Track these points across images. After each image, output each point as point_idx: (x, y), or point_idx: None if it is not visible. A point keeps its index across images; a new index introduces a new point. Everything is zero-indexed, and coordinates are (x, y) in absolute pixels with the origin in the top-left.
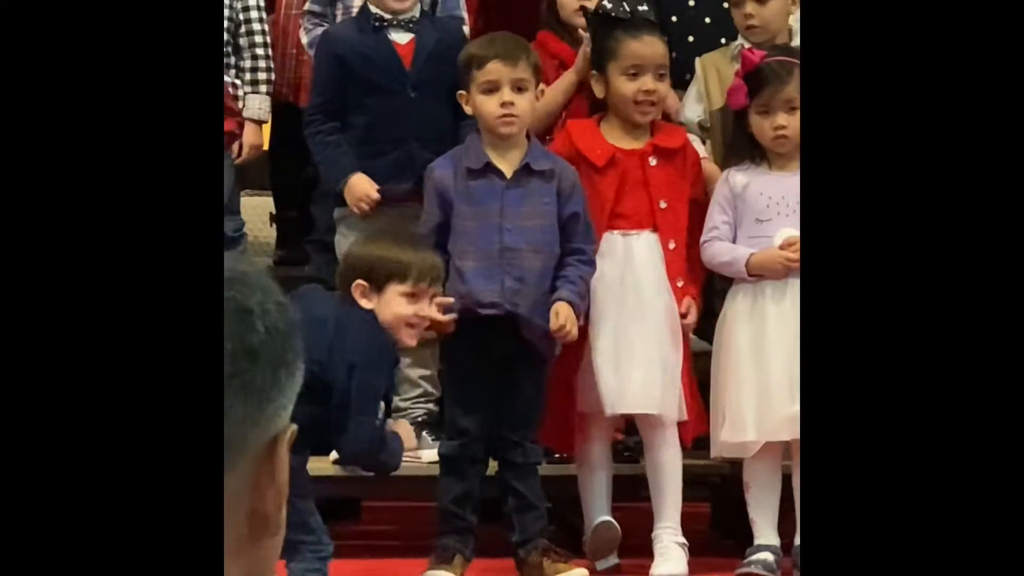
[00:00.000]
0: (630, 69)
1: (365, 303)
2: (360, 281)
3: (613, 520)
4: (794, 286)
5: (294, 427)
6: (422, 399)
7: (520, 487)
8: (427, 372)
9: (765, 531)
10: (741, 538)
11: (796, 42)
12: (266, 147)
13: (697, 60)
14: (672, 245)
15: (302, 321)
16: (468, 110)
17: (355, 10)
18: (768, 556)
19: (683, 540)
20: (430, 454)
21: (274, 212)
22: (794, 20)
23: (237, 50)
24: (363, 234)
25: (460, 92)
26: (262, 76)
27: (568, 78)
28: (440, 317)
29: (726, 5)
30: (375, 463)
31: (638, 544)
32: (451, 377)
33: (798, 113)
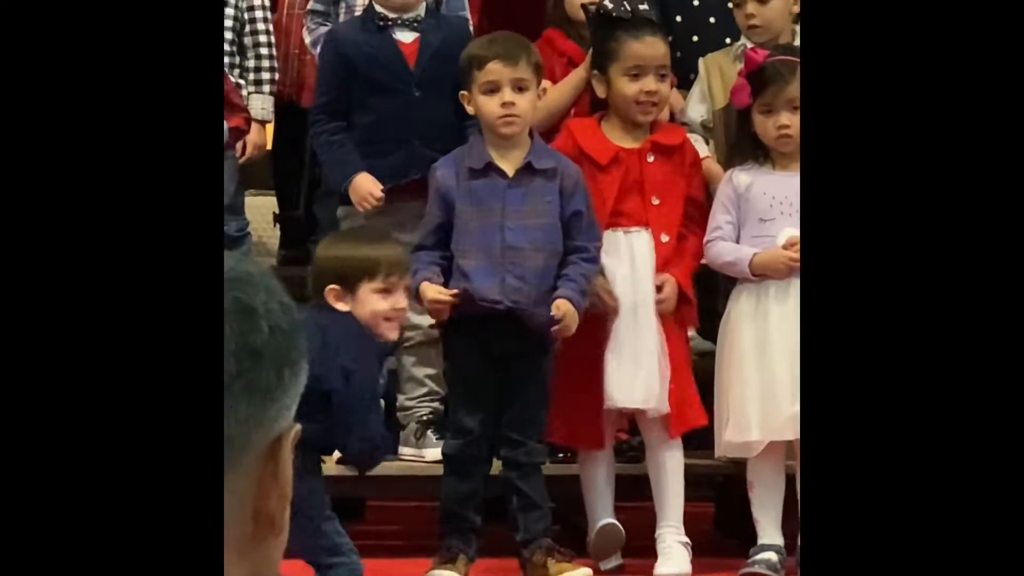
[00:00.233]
0: (632, 70)
1: (341, 306)
2: (332, 286)
3: (617, 522)
4: (797, 286)
5: (298, 427)
6: (428, 398)
7: (524, 487)
8: (432, 371)
9: (769, 531)
10: (745, 538)
11: (799, 42)
12: (269, 147)
13: (700, 60)
14: (665, 239)
15: None
16: (470, 110)
17: (358, 9)
18: (772, 556)
19: (686, 540)
20: (433, 453)
21: (277, 212)
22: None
23: (241, 49)
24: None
25: (462, 92)
26: (266, 76)
27: (578, 75)
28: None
29: (730, 5)
30: (379, 459)
31: (641, 544)
32: (454, 377)
33: None
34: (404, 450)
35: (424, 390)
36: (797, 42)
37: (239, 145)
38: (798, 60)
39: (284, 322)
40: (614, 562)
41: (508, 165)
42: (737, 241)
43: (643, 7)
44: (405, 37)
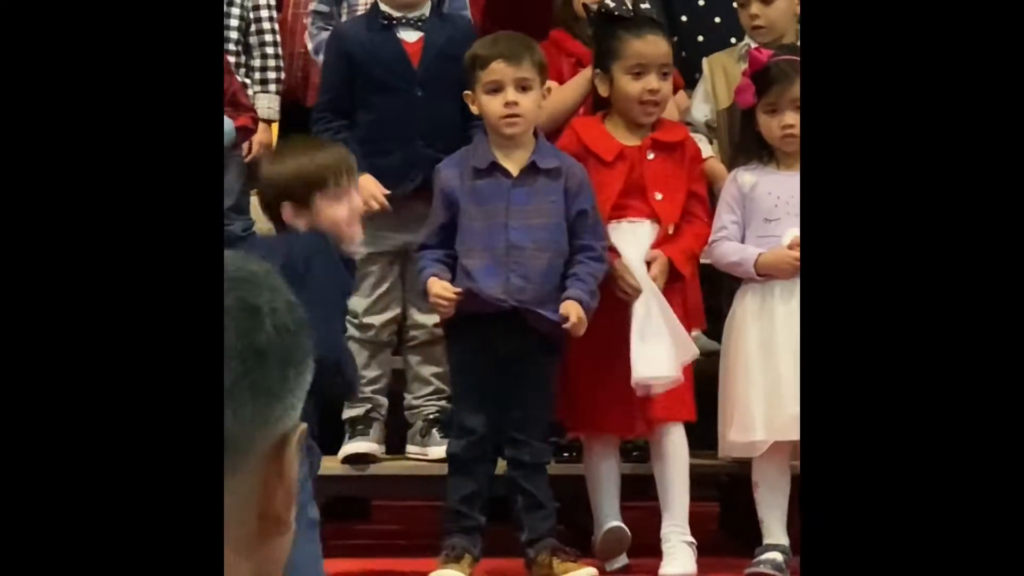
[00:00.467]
0: (634, 68)
1: (300, 222)
2: (285, 203)
3: (623, 525)
4: None
5: (303, 426)
6: (434, 396)
7: (528, 486)
8: (439, 369)
9: (774, 530)
10: (750, 538)
11: None
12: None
13: (704, 60)
14: (672, 230)
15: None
16: (475, 110)
17: (360, 10)
18: (777, 556)
19: (691, 539)
20: (437, 451)
21: None
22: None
23: (247, 49)
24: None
25: (466, 92)
26: (272, 75)
27: (584, 76)
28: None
29: (735, 5)
30: (341, 379)
31: (646, 544)
32: (457, 377)
33: None
34: (410, 448)
35: (430, 388)
36: None
37: (245, 144)
38: None
39: (289, 321)
40: (619, 563)
41: (512, 165)
42: (742, 241)
43: (644, 5)
44: (409, 36)
